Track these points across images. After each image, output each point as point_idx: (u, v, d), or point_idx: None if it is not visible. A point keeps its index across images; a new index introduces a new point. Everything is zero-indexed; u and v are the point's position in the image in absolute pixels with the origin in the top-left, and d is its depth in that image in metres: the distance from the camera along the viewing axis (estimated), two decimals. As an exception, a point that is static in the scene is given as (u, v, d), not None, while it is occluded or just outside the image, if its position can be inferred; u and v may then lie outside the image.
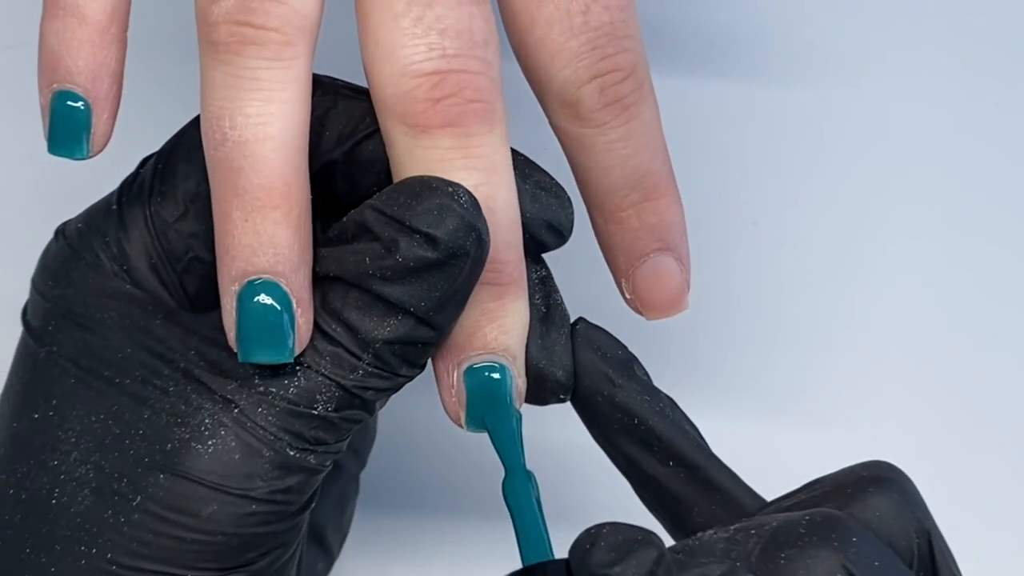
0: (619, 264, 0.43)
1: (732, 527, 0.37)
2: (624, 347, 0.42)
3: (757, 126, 0.59)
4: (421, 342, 0.39)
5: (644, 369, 0.42)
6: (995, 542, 0.54)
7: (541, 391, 0.41)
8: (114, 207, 0.41)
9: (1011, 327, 0.58)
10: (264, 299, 0.38)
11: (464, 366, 0.40)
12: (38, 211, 0.43)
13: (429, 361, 0.40)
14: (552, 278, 0.42)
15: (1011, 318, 0.58)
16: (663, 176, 0.42)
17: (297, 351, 0.38)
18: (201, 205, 0.40)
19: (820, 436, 0.51)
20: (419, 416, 0.51)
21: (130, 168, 0.41)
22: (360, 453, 0.51)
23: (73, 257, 0.41)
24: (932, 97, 0.60)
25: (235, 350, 0.38)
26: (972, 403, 0.56)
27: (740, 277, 0.53)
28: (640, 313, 0.43)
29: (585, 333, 0.41)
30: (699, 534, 0.37)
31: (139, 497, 0.38)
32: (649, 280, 0.43)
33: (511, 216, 0.39)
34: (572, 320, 0.42)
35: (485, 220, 0.38)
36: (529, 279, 0.41)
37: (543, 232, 0.41)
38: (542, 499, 0.39)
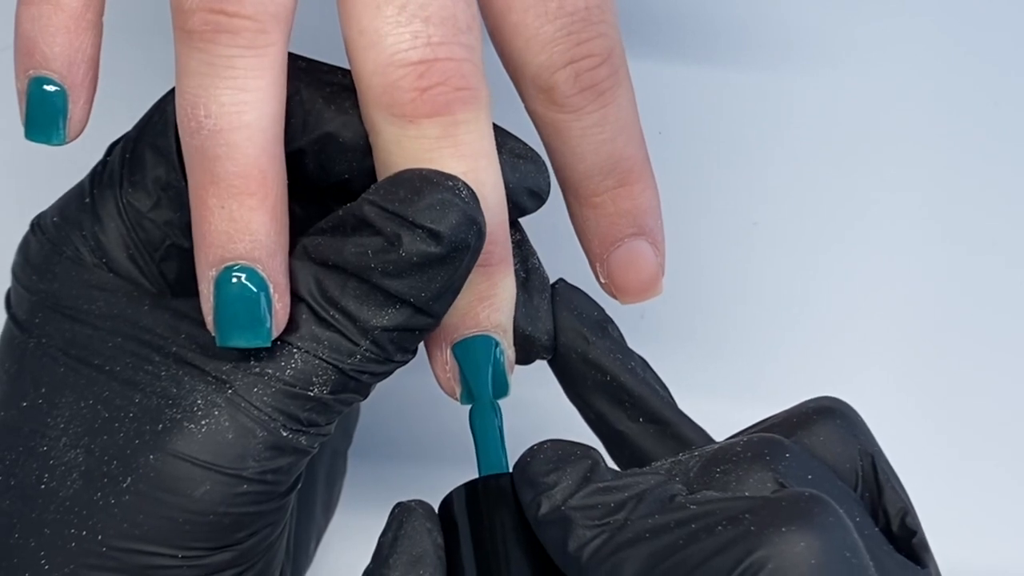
0: (594, 248, 0.43)
1: (682, 454, 0.38)
2: (600, 308, 0.43)
3: (754, 115, 0.59)
4: (418, 329, 0.39)
5: (619, 330, 0.43)
6: (975, 524, 0.55)
7: (526, 353, 0.42)
8: (87, 199, 0.41)
9: (1009, 325, 0.58)
10: (241, 284, 0.38)
11: (455, 343, 0.40)
12: (35, 207, 0.43)
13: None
14: (527, 240, 0.43)
15: (1009, 316, 0.58)
16: (638, 161, 0.43)
17: (274, 335, 0.39)
18: (173, 193, 0.41)
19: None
20: (403, 391, 0.51)
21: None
22: (347, 431, 0.51)
23: (53, 251, 0.41)
24: (934, 92, 0.60)
25: (213, 334, 0.39)
26: (977, 395, 0.57)
27: (738, 272, 0.53)
28: (615, 297, 0.43)
29: (563, 293, 0.42)
30: (652, 463, 0.38)
31: (129, 478, 0.38)
32: (623, 265, 0.43)
33: (498, 198, 0.40)
34: (552, 281, 0.43)
35: (483, 211, 0.39)
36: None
37: (524, 199, 0.42)
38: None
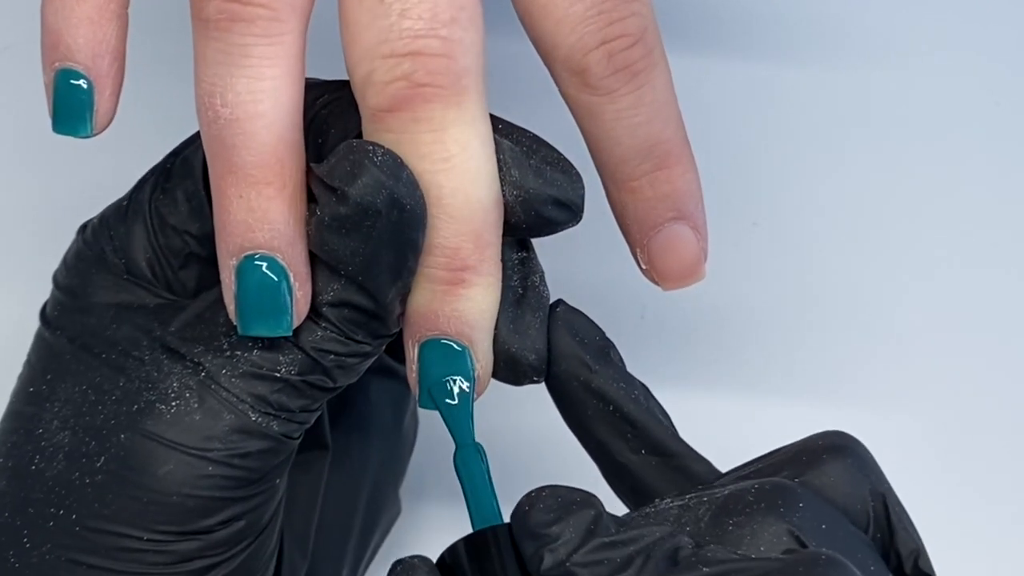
0: (633, 234, 0.42)
1: (687, 495, 0.37)
2: (602, 332, 0.41)
3: (753, 115, 0.58)
4: (363, 308, 0.39)
5: (620, 356, 0.41)
6: (1000, 524, 0.54)
7: (514, 373, 0.41)
8: (124, 203, 0.42)
9: (1010, 322, 0.57)
10: (261, 273, 0.38)
11: (420, 342, 0.40)
12: (37, 207, 0.43)
13: None
14: (533, 260, 0.41)
15: (1010, 313, 0.57)
16: (676, 144, 0.42)
17: (296, 323, 0.39)
18: (196, 203, 0.41)
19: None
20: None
21: (127, 156, 0.42)
22: (393, 464, 0.50)
23: (84, 249, 0.42)
24: (934, 91, 0.59)
25: (235, 323, 0.39)
26: (979, 394, 0.56)
27: (738, 272, 0.52)
28: (656, 283, 0.42)
29: (564, 316, 0.41)
30: (656, 501, 0.37)
31: (103, 458, 0.39)
32: (664, 250, 0.42)
33: (463, 203, 0.39)
34: (552, 301, 0.41)
35: (407, 180, 0.38)
36: (508, 261, 0.41)
37: (549, 208, 0.40)
38: (495, 476, 0.39)
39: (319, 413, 0.41)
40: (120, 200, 0.42)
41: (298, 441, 0.40)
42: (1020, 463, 0.54)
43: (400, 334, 0.41)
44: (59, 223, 0.46)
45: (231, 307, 0.39)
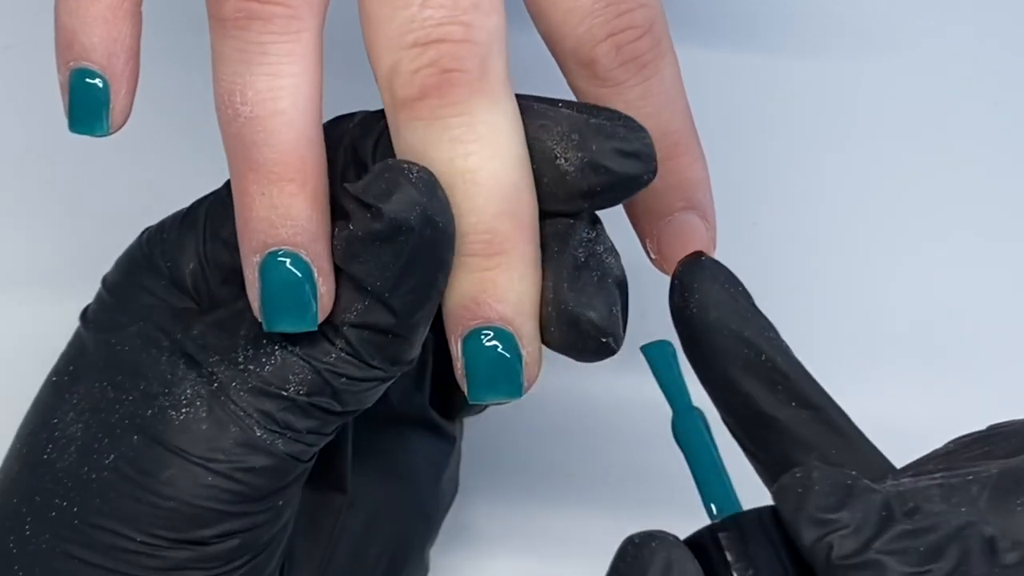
0: (643, 224, 0.43)
1: (940, 474, 0.35)
2: (742, 284, 0.40)
3: (753, 113, 0.58)
4: (386, 330, 0.39)
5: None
6: None
7: (578, 337, 0.39)
8: (184, 211, 0.42)
9: (1012, 321, 0.57)
10: (285, 269, 0.38)
11: (463, 335, 0.39)
12: (39, 208, 0.43)
13: None
14: (601, 235, 0.40)
15: (1012, 312, 0.57)
16: (684, 134, 0.42)
17: (320, 319, 0.39)
18: None
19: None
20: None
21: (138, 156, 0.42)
22: (428, 517, 0.49)
23: (136, 250, 0.42)
24: (935, 90, 0.60)
25: (260, 320, 0.39)
26: (984, 395, 0.56)
27: (738, 272, 0.53)
28: (666, 272, 0.43)
29: (710, 266, 0.40)
30: (889, 480, 0.35)
31: (112, 456, 0.39)
32: (674, 240, 0.42)
33: (496, 185, 0.38)
34: (694, 251, 0.41)
35: (441, 199, 0.38)
36: (577, 240, 0.40)
37: (620, 161, 0.39)
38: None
39: (330, 438, 0.41)
40: (183, 208, 0.42)
41: (307, 465, 0.40)
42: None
43: (414, 365, 0.41)
44: (62, 223, 0.46)
45: (255, 304, 0.39)
